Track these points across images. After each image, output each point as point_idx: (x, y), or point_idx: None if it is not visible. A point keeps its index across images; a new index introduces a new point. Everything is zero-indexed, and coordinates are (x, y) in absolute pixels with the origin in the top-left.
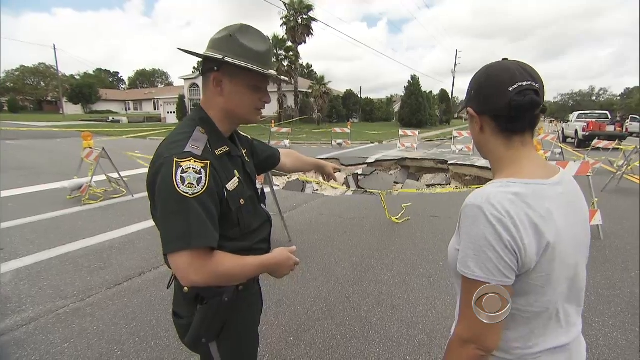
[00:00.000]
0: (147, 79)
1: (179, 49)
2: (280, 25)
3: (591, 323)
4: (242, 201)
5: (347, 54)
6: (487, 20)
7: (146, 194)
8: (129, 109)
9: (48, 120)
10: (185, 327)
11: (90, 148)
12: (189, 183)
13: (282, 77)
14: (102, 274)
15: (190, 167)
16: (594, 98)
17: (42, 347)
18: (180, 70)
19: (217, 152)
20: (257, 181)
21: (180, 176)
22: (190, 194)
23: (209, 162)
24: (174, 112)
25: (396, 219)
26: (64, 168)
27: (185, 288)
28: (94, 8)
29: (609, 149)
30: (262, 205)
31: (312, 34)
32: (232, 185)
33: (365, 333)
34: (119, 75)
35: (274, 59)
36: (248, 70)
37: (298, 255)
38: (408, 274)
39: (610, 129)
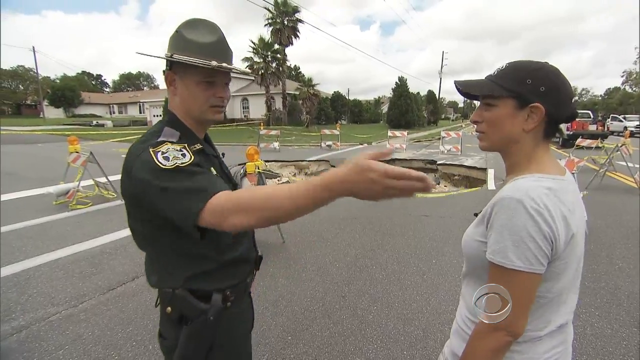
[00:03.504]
0: (132, 82)
1: (138, 52)
2: (264, 26)
3: (579, 314)
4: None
5: (340, 56)
6: (475, 23)
7: None
8: (114, 113)
9: (28, 125)
10: (170, 349)
11: (77, 152)
12: (174, 157)
13: (234, 67)
14: (94, 280)
15: (169, 149)
16: (577, 98)
17: (35, 355)
18: None
19: (190, 148)
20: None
21: (163, 156)
22: (180, 164)
23: (186, 144)
24: (160, 116)
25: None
26: (47, 173)
27: (169, 308)
28: (86, 10)
29: (592, 147)
30: None
31: (298, 36)
32: (203, 162)
33: (362, 330)
34: (102, 78)
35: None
36: (194, 65)
37: (292, 256)
38: (402, 272)
39: (592, 128)
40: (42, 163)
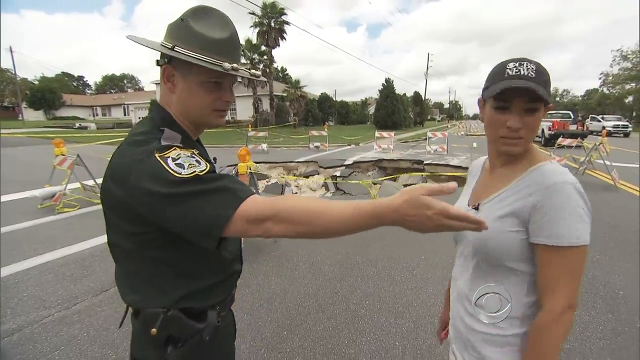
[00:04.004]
0: (116, 83)
1: (128, 37)
2: (250, 27)
3: None
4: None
5: (327, 58)
6: (460, 26)
7: None
8: (97, 115)
9: (6, 127)
10: None
11: (63, 155)
12: (189, 164)
13: (251, 70)
14: (85, 282)
15: (180, 155)
16: (557, 99)
17: (30, 356)
18: (155, 74)
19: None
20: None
21: (175, 163)
22: (199, 171)
23: (194, 150)
24: None
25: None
26: (30, 176)
27: (154, 329)
28: (67, 11)
29: (572, 146)
30: None
31: (284, 38)
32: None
33: (355, 324)
34: (84, 80)
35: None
36: (200, 62)
37: (284, 255)
38: (392, 268)
39: (573, 127)
40: (25, 166)
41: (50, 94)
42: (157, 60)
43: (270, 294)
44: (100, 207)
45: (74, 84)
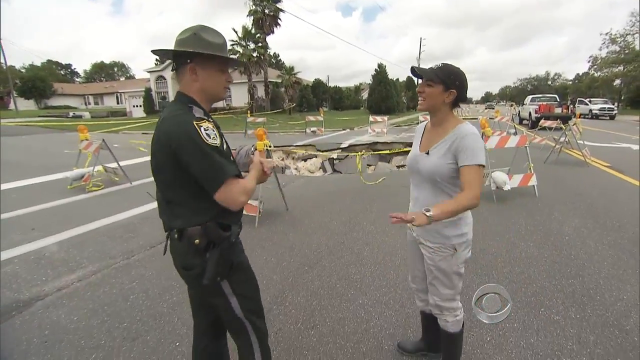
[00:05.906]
0: (106, 71)
1: (152, 51)
2: (247, 16)
3: (517, 244)
4: (231, 157)
5: (320, 43)
6: (456, 10)
7: (143, 181)
8: (89, 104)
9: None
10: (197, 276)
11: (87, 140)
12: (213, 137)
13: (242, 60)
14: (135, 241)
15: (209, 127)
16: (549, 82)
17: (116, 286)
18: (146, 62)
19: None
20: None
21: (206, 133)
22: (218, 144)
23: (213, 124)
24: (141, 106)
25: (374, 183)
26: (46, 162)
27: (197, 240)
28: None
29: (552, 128)
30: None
31: (279, 24)
32: (224, 145)
33: (359, 262)
34: (72, 68)
35: (241, 49)
36: (216, 57)
37: (297, 218)
38: (387, 225)
39: (558, 110)
40: (38, 153)
41: (41, 82)
42: (174, 64)
43: (290, 245)
44: (121, 187)
45: (61, 72)
